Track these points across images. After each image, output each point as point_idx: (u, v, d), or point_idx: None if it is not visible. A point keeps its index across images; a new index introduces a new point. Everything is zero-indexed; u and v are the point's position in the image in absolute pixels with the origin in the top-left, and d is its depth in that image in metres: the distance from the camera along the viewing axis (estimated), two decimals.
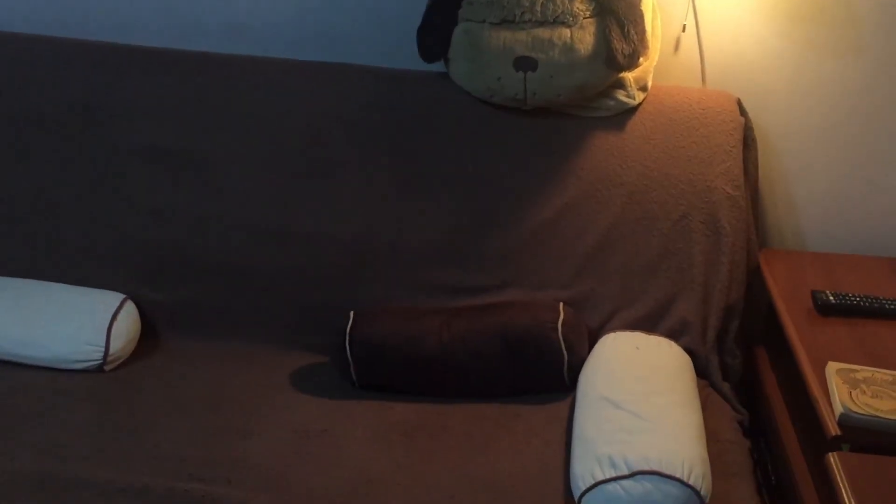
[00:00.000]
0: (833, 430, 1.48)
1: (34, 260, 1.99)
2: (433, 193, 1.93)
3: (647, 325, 1.86)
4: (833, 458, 1.42)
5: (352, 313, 1.83)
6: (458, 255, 1.92)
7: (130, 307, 1.94)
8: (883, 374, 1.55)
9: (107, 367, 1.86)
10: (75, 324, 1.85)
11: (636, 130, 1.90)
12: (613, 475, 1.43)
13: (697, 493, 1.41)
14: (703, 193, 1.87)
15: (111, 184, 1.99)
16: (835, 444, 1.46)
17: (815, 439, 1.60)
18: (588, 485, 1.45)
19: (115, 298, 1.93)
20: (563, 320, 1.77)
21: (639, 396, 1.60)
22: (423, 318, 1.80)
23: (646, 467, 1.42)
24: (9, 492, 1.48)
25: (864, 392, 1.50)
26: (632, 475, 1.42)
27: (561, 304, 1.82)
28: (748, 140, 1.93)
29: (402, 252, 1.92)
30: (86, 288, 1.95)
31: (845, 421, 1.47)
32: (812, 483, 1.60)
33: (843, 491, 1.32)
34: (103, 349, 1.84)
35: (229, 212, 1.96)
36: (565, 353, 1.75)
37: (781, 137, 2.02)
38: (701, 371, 1.82)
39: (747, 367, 1.95)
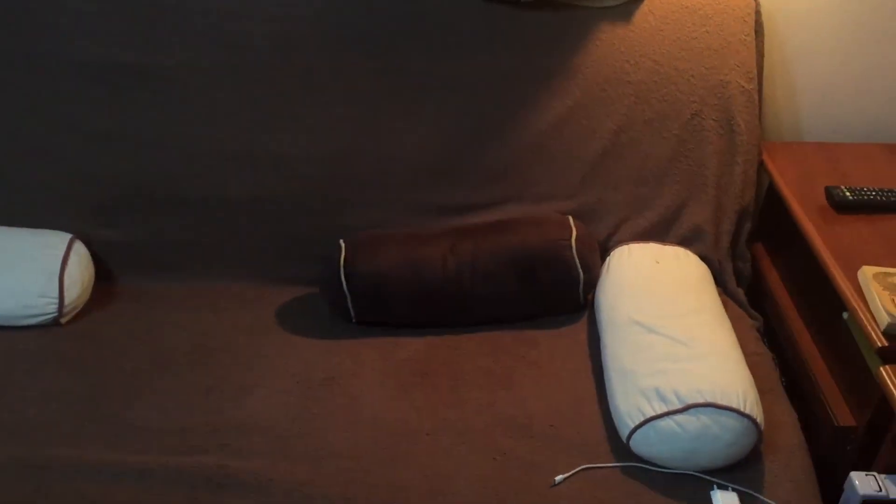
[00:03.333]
0: (879, 340, 1.41)
1: None
2: (423, 102, 1.73)
3: (658, 233, 1.76)
4: (885, 372, 1.36)
5: (342, 242, 1.65)
6: (453, 169, 1.75)
7: (80, 248, 1.72)
8: None
9: (63, 320, 1.64)
10: (21, 272, 1.62)
11: (645, 21, 1.73)
12: (665, 410, 1.34)
13: (755, 421, 1.33)
14: (716, 88, 1.73)
15: (49, 107, 1.71)
16: (884, 355, 1.40)
17: (837, 345, 1.56)
18: (637, 422, 1.35)
19: (61, 239, 1.70)
20: (577, 236, 1.64)
21: (671, 318, 1.49)
22: (425, 243, 1.64)
23: (700, 399, 1.33)
24: None
25: None
26: (685, 409, 1.33)
27: (571, 219, 1.68)
28: (757, 25, 1.78)
29: (392, 170, 1.74)
30: (26, 229, 1.71)
31: (892, 330, 1.40)
32: (839, 390, 1.55)
33: None
34: (57, 300, 1.62)
35: (189, 134, 1.73)
36: (581, 271, 1.63)
37: (785, 22, 1.87)
38: (715, 278, 1.74)
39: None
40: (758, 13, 1.78)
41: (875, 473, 1.39)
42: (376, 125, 1.73)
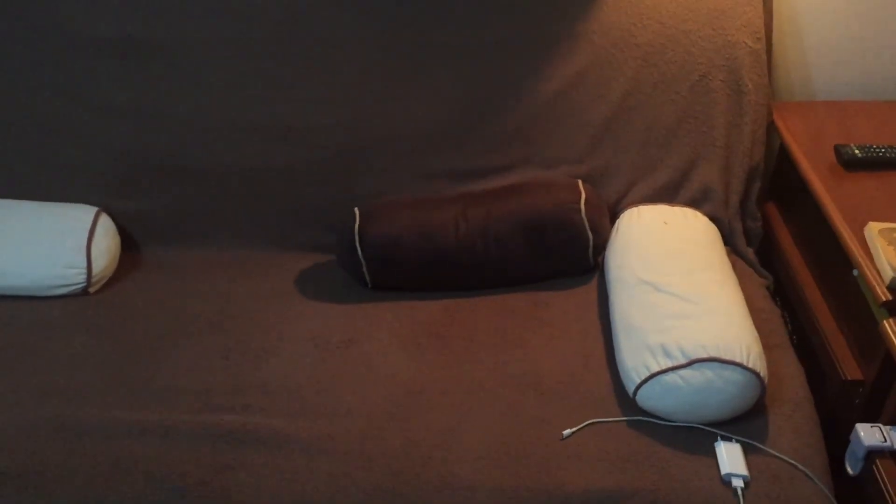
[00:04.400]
0: (884, 295, 1.43)
1: None
2: (430, 70, 1.76)
3: (668, 195, 1.78)
4: (889, 325, 1.38)
5: (356, 210, 1.69)
6: (464, 136, 1.79)
7: (106, 220, 1.78)
8: None
9: (91, 290, 1.71)
10: (50, 245, 1.69)
11: None
12: (670, 365, 1.37)
13: (758, 375, 1.36)
14: (723, 49, 1.74)
15: (68, 81, 1.78)
16: (890, 308, 1.42)
17: (846, 301, 1.58)
18: (643, 377, 1.39)
19: (87, 212, 1.77)
20: (586, 199, 1.67)
21: (679, 277, 1.52)
22: (437, 209, 1.68)
23: (703, 354, 1.36)
24: (23, 442, 1.36)
25: None
26: (689, 363, 1.36)
27: (580, 183, 1.71)
28: None
29: (402, 136, 1.78)
30: (53, 203, 1.78)
31: None
32: (846, 345, 1.58)
33: None
34: (85, 271, 1.68)
35: (206, 107, 1.78)
36: (590, 233, 1.66)
37: None
38: (725, 238, 1.77)
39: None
40: None
41: (880, 425, 1.41)
42: (386, 94, 1.76)
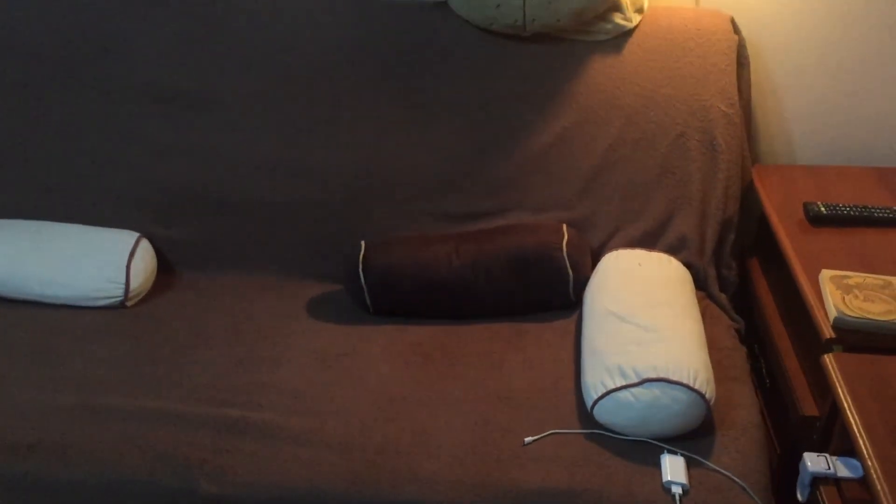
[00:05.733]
0: (828, 333, 1.57)
1: (47, 202, 2.04)
2: (436, 123, 1.97)
3: (648, 241, 1.93)
4: (829, 359, 1.51)
5: (363, 243, 1.89)
6: (462, 181, 1.98)
7: (146, 244, 2.00)
8: (873, 278, 1.64)
9: (128, 303, 1.92)
10: (95, 262, 1.91)
11: (633, 53, 1.94)
12: (623, 383, 1.52)
13: (703, 396, 1.50)
14: (699, 112, 1.92)
15: (121, 124, 2.02)
16: (829, 346, 1.55)
17: (809, 343, 1.70)
18: (600, 393, 1.54)
19: (130, 237, 1.99)
20: (568, 240, 1.84)
21: (643, 309, 1.68)
22: (433, 244, 1.87)
23: (653, 375, 1.51)
24: (51, 422, 1.56)
25: (856, 297, 1.59)
26: (641, 382, 1.51)
27: (564, 226, 1.89)
28: (741, 58, 1.97)
29: (408, 181, 1.98)
30: (101, 227, 2.01)
31: (839, 324, 1.56)
32: (806, 383, 1.70)
33: (839, 388, 1.41)
34: (124, 285, 1.90)
35: (236, 148, 2.00)
36: (570, 271, 1.83)
37: (772, 54, 2.06)
38: (699, 283, 1.91)
39: (741, 279, 2.04)
40: (741, 46, 1.97)
41: (826, 454, 1.53)
42: (393, 143, 1.97)
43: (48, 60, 2.04)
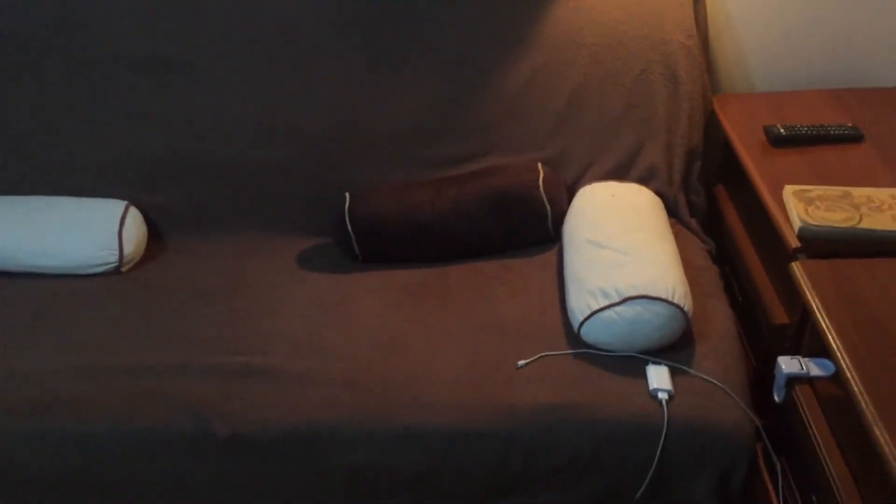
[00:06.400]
0: (794, 242, 1.66)
1: (32, 178, 2.07)
2: (410, 73, 2.03)
3: (620, 174, 2.02)
4: (796, 266, 1.60)
5: (347, 194, 1.95)
6: (439, 129, 2.04)
7: (135, 212, 2.05)
8: (833, 190, 1.73)
9: (123, 269, 1.98)
10: (87, 231, 1.96)
11: None
12: (607, 303, 1.61)
13: (682, 309, 1.60)
14: (659, 46, 2.00)
15: (100, 95, 2.05)
16: (795, 255, 1.65)
17: (776, 257, 1.79)
18: (585, 315, 1.63)
19: (118, 205, 2.03)
20: (544, 178, 1.92)
21: (619, 235, 1.77)
22: (415, 189, 1.94)
23: (634, 293, 1.60)
24: (63, 382, 1.62)
25: (818, 207, 1.68)
26: (623, 301, 1.61)
27: (540, 164, 1.97)
28: None
29: (386, 132, 2.04)
30: (89, 198, 2.05)
31: (804, 233, 1.65)
32: (776, 295, 1.80)
33: (808, 291, 1.51)
34: (118, 252, 1.96)
35: (216, 111, 2.05)
36: (548, 207, 1.91)
37: None
38: (671, 211, 2.01)
39: (709, 205, 2.14)
40: None
41: (799, 356, 1.63)
42: (369, 95, 2.02)
43: (14, 39, 2.05)
